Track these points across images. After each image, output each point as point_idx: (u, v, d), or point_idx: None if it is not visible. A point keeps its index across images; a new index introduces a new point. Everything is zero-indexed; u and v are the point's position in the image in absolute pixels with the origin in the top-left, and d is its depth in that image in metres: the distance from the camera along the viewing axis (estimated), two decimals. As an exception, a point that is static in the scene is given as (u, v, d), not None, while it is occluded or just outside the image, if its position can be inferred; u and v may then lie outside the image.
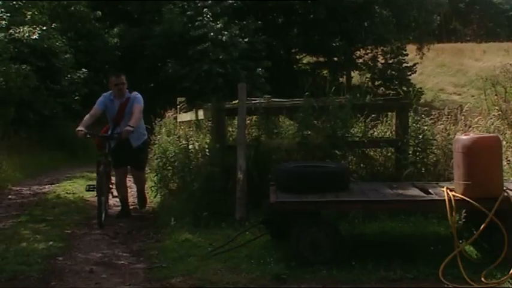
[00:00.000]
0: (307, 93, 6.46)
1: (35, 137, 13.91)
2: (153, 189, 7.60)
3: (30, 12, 14.21)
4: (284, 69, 25.22)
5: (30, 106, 14.01)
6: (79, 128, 6.35)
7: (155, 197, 7.50)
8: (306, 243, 4.35)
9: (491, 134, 5.14)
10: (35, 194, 8.42)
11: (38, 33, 13.48)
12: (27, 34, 13.30)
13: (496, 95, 8.14)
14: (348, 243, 4.67)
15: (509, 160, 5.96)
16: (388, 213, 5.53)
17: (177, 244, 5.11)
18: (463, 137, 4.39)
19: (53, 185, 9.30)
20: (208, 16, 20.43)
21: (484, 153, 4.21)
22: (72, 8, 17.48)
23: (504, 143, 6.11)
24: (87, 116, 6.51)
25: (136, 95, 6.54)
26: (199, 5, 21.24)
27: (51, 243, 5.20)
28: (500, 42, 44.61)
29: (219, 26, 20.06)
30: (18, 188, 8.96)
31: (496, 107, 7.43)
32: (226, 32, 19.91)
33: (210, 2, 21.28)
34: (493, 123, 6.74)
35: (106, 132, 6.61)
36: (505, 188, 4.30)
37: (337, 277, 4.09)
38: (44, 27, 13.99)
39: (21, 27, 13.52)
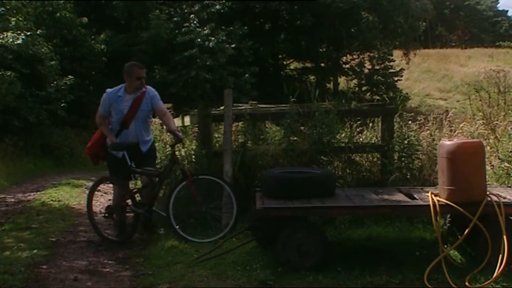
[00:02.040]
0: (293, 99, 6.48)
1: (20, 144, 13.79)
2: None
3: (14, 18, 14.09)
4: (271, 74, 25.30)
5: (16, 113, 13.89)
6: (114, 140, 5.55)
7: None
8: (292, 249, 4.35)
9: (475, 140, 5.18)
10: (20, 201, 8.32)
11: (22, 39, 13.36)
12: (11, 40, 13.18)
13: (480, 100, 8.23)
14: (334, 248, 4.69)
15: (493, 165, 6.02)
16: (374, 219, 5.56)
17: (163, 251, 5.08)
18: (447, 142, 4.43)
19: (38, 192, 9.20)
20: (195, 22, 20.45)
21: (467, 159, 4.26)
22: (58, 14, 17.37)
23: (488, 148, 6.18)
24: (101, 121, 5.64)
25: (152, 89, 5.73)
26: (186, 10, 21.27)
27: (35, 251, 5.14)
28: (484, 48, 45.26)
29: (206, 32, 20.09)
30: (2, 196, 8.85)
31: (480, 112, 7.51)
32: (213, 38, 19.95)
33: (196, 8, 21.31)
34: (477, 129, 6.80)
35: (99, 140, 5.75)
36: (488, 192, 4.34)
37: (323, 282, 4.10)
38: (29, 33, 13.86)
39: (5, 33, 13.40)
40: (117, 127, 5.62)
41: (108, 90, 5.67)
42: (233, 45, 20.65)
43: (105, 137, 5.70)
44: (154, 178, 5.62)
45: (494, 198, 4.29)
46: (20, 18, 14.33)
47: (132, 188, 6.06)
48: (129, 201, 5.77)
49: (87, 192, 6.09)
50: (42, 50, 14.85)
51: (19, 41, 13.25)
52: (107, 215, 5.99)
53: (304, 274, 4.22)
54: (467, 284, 3.93)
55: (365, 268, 4.24)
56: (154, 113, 5.78)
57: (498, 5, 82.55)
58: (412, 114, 7.29)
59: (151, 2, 20.91)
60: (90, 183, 10.65)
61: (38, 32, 15.27)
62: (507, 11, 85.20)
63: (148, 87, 5.70)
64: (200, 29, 20.26)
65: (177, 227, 5.44)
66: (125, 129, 5.59)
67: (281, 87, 21.99)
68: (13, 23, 13.99)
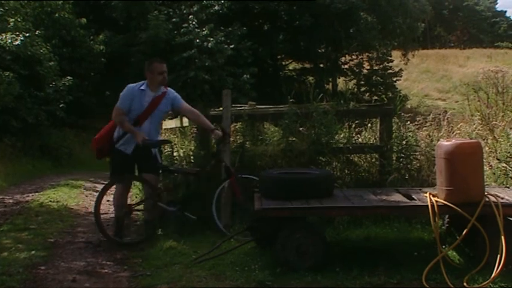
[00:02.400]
0: (292, 99, 6.49)
1: (18, 144, 13.77)
2: (137, 196, 7.55)
3: (13, 19, 14.08)
4: (270, 75, 25.32)
5: (14, 113, 13.88)
6: (143, 136, 5.37)
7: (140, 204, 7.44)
8: (291, 249, 4.36)
9: (473, 140, 5.18)
10: (18, 202, 8.31)
11: (21, 40, 13.36)
12: (9, 41, 13.17)
13: (478, 100, 8.25)
14: (332, 249, 4.69)
15: (491, 165, 6.03)
16: (373, 219, 5.56)
17: (161, 252, 5.08)
18: (445, 143, 4.43)
19: (36, 193, 9.19)
20: (194, 23, 20.45)
21: (465, 159, 4.26)
22: (57, 15, 17.37)
23: (486, 148, 6.19)
24: (123, 119, 5.42)
25: (173, 91, 5.69)
26: (185, 11, 21.27)
27: (33, 252, 5.12)
28: (483, 48, 45.35)
29: (204, 32, 20.09)
30: (1, 197, 8.84)
31: (479, 113, 7.52)
32: (212, 39, 19.95)
33: (195, 8, 21.31)
34: (475, 129, 6.81)
35: (108, 134, 5.59)
36: (486, 193, 4.35)
37: (322, 283, 4.10)
38: (27, 34, 13.85)
39: (3, 34, 13.40)
40: (130, 122, 5.45)
41: (130, 85, 5.57)
42: (232, 46, 20.66)
43: (113, 132, 5.58)
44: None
45: (492, 198, 4.29)
46: (19, 19, 14.31)
47: (162, 187, 5.93)
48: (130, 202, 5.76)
49: (97, 194, 5.97)
50: (41, 50, 14.84)
51: (18, 42, 13.23)
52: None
53: (302, 274, 4.22)
54: (465, 284, 3.93)
55: (363, 268, 4.24)
56: (178, 114, 5.81)
57: (497, 6, 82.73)
58: (411, 114, 7.30)
59: (150, 2, 20.90)
60: (89, 184, 10.69)
61: (36, 33, 15.26)
62: (505, 11, 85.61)
63: (168, 88, 5.66)
64: (199, 30, 20.26)
65: (221, 225, 5.45)
66: (138, 126, 5.45)
67: (280, 88, 22.10)
68: (12, 23, 13.98)
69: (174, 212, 5.55)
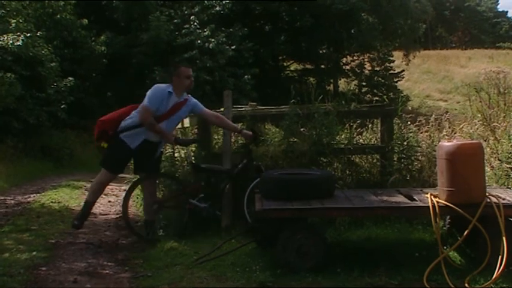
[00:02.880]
0: (293, 100, 6.49)
1: (20, 145, 13.78)
2: (139, 197, 7.55)
3: (14, 20, 14.11)
4: (271, 76, 25.31)
5: (16, 114, 13.89)
6: (173, 137, 5.56)
7: (141, 205, 7.45)
8: (291, 250, 4.35)
9: (474, 141, 5.19)
10: (20, 203, 8.32)
11: (22, 40, 13.38)
12: (11, 42, 13.19)
13: (480, 101, 8.24)
14: (333, 249, 4.69)
15: (493, 166, 6.02)
16: (374, 220, 5.56)
17: (162, 253, 5.08)
18: (446, 143, 4.43)
19: (38, 194, 9.20)
20: (195, 24, 20.46)
21: (466, 160, 4.25)
22: (58, 16, 17.39)
23: (488, 149, 6.18)
24: (152, 120, 5.38)
25: (193, 98, 5.71)
26: (186, 12, 21.28)
27: (34, 253, 5.12)
28: (484, 49, 45.34)
29: (206, 33, 20.10)
30: (2, 198, 8.85)
31: (480, 113, 7.51)
32: (213, 40, 19.96)
33: (197, 9, 21.33)
34: (476, 130, 6.81)
35: (116, 120, 5.51)
36: (487, 194, 4.34)
37: (323, 284, 4.09)
38: (29, 34, 13.87)
39: (5, 35, 13.42)
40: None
41: (160, 86, 5.54)
42: (233, 47, 20.66)
43: (122, 119, 5.52)
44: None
45: (494, 199, 4.29)
46: (20, 20, 14.34)
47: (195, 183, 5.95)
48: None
49: (124, 195, 6.01)
50: (43, 51, 14.86)
51: (19, 43, 13.25)
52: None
53: (303, 275, 4.21)
54: (466, 285, 3.92)
55: (364, 269, 4.23)
56: (202, 120, 5.91)
57: (498, 6, 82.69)
58: (413, 115, 7.30)
59: (151, 3, 20.90)
60: (90, 185, 10.69)
61: (38, 34, 15.28)
62: (507, 12, 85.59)
63: (189, 95, 5.67)
64: (200, 31, 20.27)
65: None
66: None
67: (281, 89, 22.07)
68: (13, 25, 14.00)
69: (206, 208, 5.65)
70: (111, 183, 9.39)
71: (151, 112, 5.40)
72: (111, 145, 5.52)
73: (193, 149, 6.73)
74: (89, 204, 5.77)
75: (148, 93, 5.47)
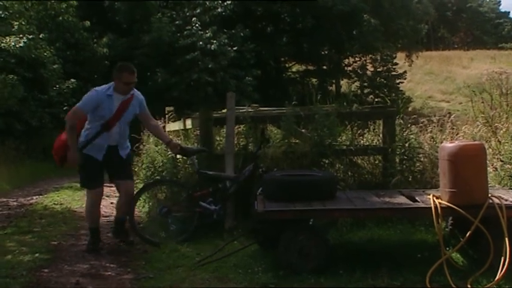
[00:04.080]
0: (294, 102, 6.49)
1: (22, 147, 13.82)
2: (140, 199, 7.55)
3: (17, 23, 14.15)
4: (273, 77, 25.33)
5: (18, 116, 13.94)
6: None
7: (143, 207, 7.46)
8: (294, 251, 4.35)
9: (476, 142, 5.17)
10: (22, 205, 8.35)
11: (24, 42, 13.42)
12: (13, 43, 13.23)
13: (482, 102, 8.22)
14: (335, 251, 4.68)
15: (495, 167, 6.00)
16: (376, 221, 5.55)
17: (164, 254, 5.08)
18: (449, 144, 4.42)
19: (40, 196, 9.23)
20: (197, 25, 20.48)
21: (469, 161, 4.24)
22: (60, 18, 17.41)
23: (490, 150, 6.16)
24: (75, 122, 5.26)
25: (139, 93, 5.56)
26: (188, 14, 21.30)
27: (37, 255, 5.14)
28: (487, 49, 45.30)
29: (207, 35, 20.11)
30: (5, 200, 8.88)
31: (482, 114, 7.49)
32: (215, 41, 19.97)
33: (198, 11, 21.34)
34: (479, 131, 6.79)
35: (63, 144, 5.40)
36: (490, 195, 4.33)
37: (325, 285, 4.08)
38: (31, 36, 13.91)
39: (7, 37, 13.46)
40: (98, 128, 5.26)
41: (97, 88, 5.36)
42: (235, 48, 20.68)
43: (63, 142, 5.41)
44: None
45: (496, 200, 4.27)
46: (23, 22, 14.37)
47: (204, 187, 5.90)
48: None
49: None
50: (45, 53, 14.90)
51: (21, 44, 13.29)
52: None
53: (305, 277, 4.21)
54: (469, 286, 3.91)
55: (367, 270, 4.23)
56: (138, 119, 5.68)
57: (500, 7, 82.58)
58: (415, 116, 7.29)
59: (153, 5, 20.91)
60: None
61: (40, 36, 15.32)
62: (509, 12, 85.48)
63: (135, 90, 5.51)
64: (202, 32, 20.29)
65: None
66: (107, 131, 5.28)
67: (283, 90, 22.05)
68: (16, 27, 14.04)
69: (216, 210, 5.69)
70: (113, 185, 9.36)
71: (81, 114, 5.29)
72: (81, 164, 5.39)
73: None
74: (95, 230, 5.55)
75: (85, 95, 5.37)
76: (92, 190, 5.44)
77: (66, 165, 5.53)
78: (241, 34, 21.60)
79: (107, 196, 9.56)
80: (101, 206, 8.36)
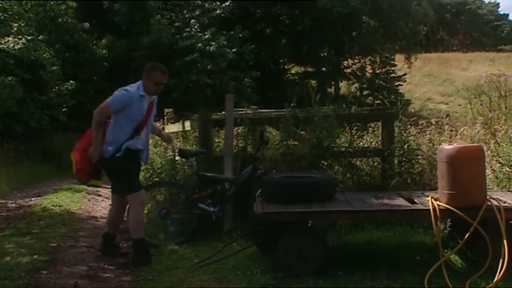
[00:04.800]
0: (293, 103, 6.50)
1: (21, 148, 13.79)
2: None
3: (16, 24, 14.15)
4: (272, 79, 25.33)
5: (17, 118, 13.92)
6: (98, 152, 4.90)
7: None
8: (292, 253, 4.35)
9: (475, 144, 5.19)
10: (21, 206, 8.32)
11: (23, 43, 13.41)
12: (11, 45, 13.23)
13: (481, 104, 8.24)
14: (334, 253, 4.68)
15: (494, 169, 6.01)
16: (375, 223, 5.55)
17: (163, 256, 5.09)
18: (447, 146, 4.43)
19: (39, 198, 9.20)
20: (196, 27, 20.49)
21: (467, 163, 4.25)
22: (60, 20, 17.40)
23: (489, 152, 6.17)
24: (103, 120, 4.94)
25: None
26: (187, 16, 21.30)
27: (35, 256, 5.12)
28: (486, 52, 45.37)
29: (206, 36, 20.11)
30: (3, 201, 8.85)
31: (481, 116, 7.51)
32: (213, 43, 19.97)
33: (197, 12, 21.35)
34: (477, 133, 6.80)
35: (87, 145, 5.05)
36: (488, 197, 4.34)
37: (324, 287, 4.09)
38: (29, 37, 13.90)
39: (6, 38, 13.46)
40: (130, 131, 4.93)
41: (129, 88, 5.00)
42: (234, 50, 20.68)
43: (88, 143, 5.04)
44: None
45: (495, 202, 4.28)
46: (22, 24, 14.37)
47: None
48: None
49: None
50: (44, 55, 14.89)
51: (19, 45, 13.28)
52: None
53: (304, 279, 4.21)
54: (467, 288, 3.93)
55: (365, 272, 4.23)
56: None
57: (499, 9, 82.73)
58: (414, 118, 7.29)
59: (152, 6, 20.88)
60: (91, 188, 10.68)
61: (39, 38, 15.32)
62: (508, 14, 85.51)
63: None
64: (201, 34, 20.30)
65: None
66: (137, 134, 4.98)
67: (282, 92, 22.03)
68: (15, 28, 14.04)
69: (215, 212, 5.70)
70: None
71: (107, 112, 4.96)
72: (111, 167, 5.04)
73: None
74: (142, 241, 5.04)
75: (116, 92, 5.01)
76: (138, 192, 4.98)
77: (92, 181, 5.34)
78: (240, 35, 21.60)
79: (106, 198, 9.58)
80: (100, 208, 8.46)
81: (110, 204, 5.68)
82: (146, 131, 5.11)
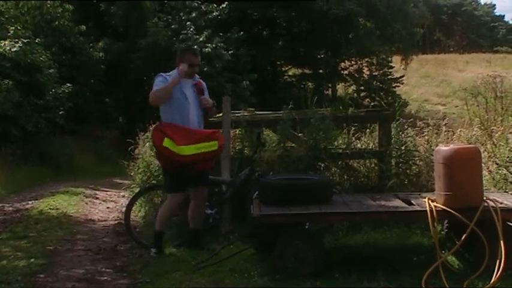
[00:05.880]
0: (290, 105, 6.50)
1: (18, 152, 13.74)
2: (137, 203, 7.53)
3: (13, 27, 14.13)
4: (269, 81, 25.34)
5: (14, 121, 13.87)
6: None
7: (139, 211, 7.45)
8: (290, 255, 4.35)
9: (471, 145, 5.20)
10: (18, 210, 8.31)
11: (19, 46, 13.39)
12: (8, 48, 13.20)
13: (477, 105, 8.27)
14: (332, 254, 4.68)
15: (490, 170, 6.02)
16: (372, 225, 5.55)
17: (161, 259, 5.07)
18: (443, 148, 4.43)
19: (36, 201, 9.19)
20: (191, 29, 20.45)
21: (464, 164, 4.26)
22: (56, 23, 17.40)
23: (485, 153, 6.18)
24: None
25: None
26: (183, 18, 21.29)
27: (32, 260, 5.12)
28: (482, 53, 45.46)
29: (201, 38, 20.07)
30: (0, 205, 8.85)
31: (477, 118, 7.53)
32: (209, 45, 19.93)
33: (194, 15, 21.35)
34: (474, 134, 6.82)
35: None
36: (485, 198, 4.34)
37: (321, 289, 4.09)
38: (26, 41, 13.88)
39: (2, 41, 13.44)
40: (178, 120, 5.05)
41: (162, 73, 5.24)
42: (231, 51, 20.67)
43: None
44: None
45: (491, 203, 4.29)
46: (19, 27, 14.36)
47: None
48: None
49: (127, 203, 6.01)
50: (41, 58, 14.88)
51: (15, 49, 13.26)
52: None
53: (302, 281, 4.20)
54: (464, 289, 3.93)
55: (363, 274, 4.23)
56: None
57: (495, 10, 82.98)
58: (411, 119, 7.31)
59: (149, 7, 20.84)
60: (89, 191, 10.69)
61: (36, 41, 15.30)
62: (504, 16, 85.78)
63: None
64: (197, 36, 20.29)
65: None
66: (186, 121, 5.10)
67: (280, 94, 22.02)
68: (11, 31, 14.02)
69: (212, 214, 5.70)
70: (110, 190, 9.46)
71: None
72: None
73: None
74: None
75: (155, 80, 5.20)
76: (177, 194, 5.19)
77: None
78: (236, 35, 21.56)
79: (103, 201, 9.59)
80: (97, 211, 8.46)
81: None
82: (197, 118, 5.21)
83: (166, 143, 4.93)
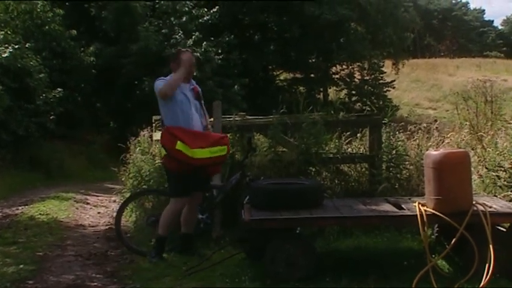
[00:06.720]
0: (282, 110, 6.51)
1: (8, 157, 13.64)
2: (128, 208, 7.50)
3: (2, 32, 14.05)
4: (261, 86, 25.38)
5: (4, 126, 13.77)
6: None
7: (130, 216, 7.42)
8: (280, 260, 4.34)
9: (461, 149, 5.23)
10: (7, 216, 8.24)
11: (9, 52, 13.31)
12: (-2, 53, 13.14)
13: (467, 109, 8.33)
14: (323, 259, 4.69)
15: (480, 174, 6.06)
16: (363, 229, 5.57)
17: (151, 264, 5.05)
18: (433, 152, 4.46)
19: (26, 206, 9.11)
20: (180, 34, 20.39)
21: (453, 169, 4.28)
22: (47, 27, 17.34)
23: (475, 157, 6.22)
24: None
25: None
26: (174, 22, 21.27)
27: (21, 266, 5.08)
28: (472, 57, 45.79)
29: (189, 42, 20.01)
30: (-10, 210, 8.77)
31: (467, 122, 7.58)
32: (198, 49, 19.91)
33: (184, 19, 21.33)
34: (464, 138, 6.86)
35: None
36: (474, 202, 4.37)
37: (312, 293, 4.09)
38: (16, 46, 13.80)
39: (-8, 46, 13.38)
40: (188, 120, 5.04)
41: (161, 77, 5.29)
42: (221, 56, 20.66)
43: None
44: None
45: (481, 207, 4.31)
46: (9, 32, 14.28)
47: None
48: None
49: (118, 208, 5.98)
50: (31, 63, 14.79)
51: (6, 54, 13.18)
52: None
53: (292, 285, 4.21)
54: (454, 293, 3.94)
55: (353, 278, 4.24)
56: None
57: (484, 16, 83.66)
58: (402, 123, 7.34)
59: (140, 12, 20.80)
60: (80, 196, 10.63)
61: (26, 45, 15.22)
62: (493, 21, 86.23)
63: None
64: (188, 40, 20.26)
65: None
66: (188, 125, 5.06)
67: (271, 98, 22.05)
68: (1, 36, 13.94)
69: (203, 219, 5.66)
70: (101, 195, 9.40)
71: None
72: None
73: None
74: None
75: (157, 82, 5.32)
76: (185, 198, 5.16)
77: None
78: (227, 38, 21.55)
79: (94, 206, 9.52)
80: (88, 217, 8.40)
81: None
82: (200, 123, 5.21)
83: (180, 146, 4.87)
